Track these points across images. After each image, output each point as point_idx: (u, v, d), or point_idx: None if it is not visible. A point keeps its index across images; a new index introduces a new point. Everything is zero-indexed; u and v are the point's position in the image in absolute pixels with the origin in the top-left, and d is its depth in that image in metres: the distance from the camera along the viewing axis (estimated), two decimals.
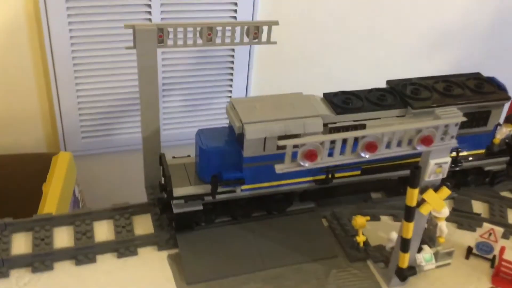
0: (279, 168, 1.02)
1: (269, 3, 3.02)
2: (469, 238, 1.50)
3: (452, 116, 1.08)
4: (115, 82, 2.82)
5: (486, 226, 1.44)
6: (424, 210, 1.16)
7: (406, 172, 1.53)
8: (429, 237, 1.42)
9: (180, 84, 3.20)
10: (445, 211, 1.39)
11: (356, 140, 1.05)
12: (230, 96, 3.36)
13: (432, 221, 1.41)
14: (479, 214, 1.58)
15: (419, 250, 1.35)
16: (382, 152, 1.05)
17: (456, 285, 1.37)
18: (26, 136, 3.17)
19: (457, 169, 1.55)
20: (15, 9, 2.61)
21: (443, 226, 1.40)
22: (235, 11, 3.03)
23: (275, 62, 3.40)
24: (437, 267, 1.39)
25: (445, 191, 1.16)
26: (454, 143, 1.11)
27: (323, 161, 1.02)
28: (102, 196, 2.87)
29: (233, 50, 3.16)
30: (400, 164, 1.51)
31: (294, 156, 1.03)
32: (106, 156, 3.13)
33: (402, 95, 1.44)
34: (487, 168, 1.62)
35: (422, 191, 1.15)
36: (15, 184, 2.84)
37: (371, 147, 1.03)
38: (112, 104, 3.02)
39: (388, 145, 1.07)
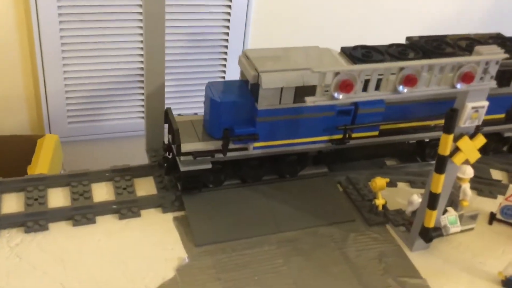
0: (310, 100, 0.92)
1: None
2: (490, 205, 1.42)
3: (493, 53, 1.00)
4: (105, 65, 2.72)
5: None
6: (458, 159, 1.08)
7: (425, 135, 1.45)
8: (451, 201, 1.34)
9: (172, 68, 3.09)
10: (470, 171, 1.31)
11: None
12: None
13: (455, 183, 1.32)
14: (499, 181, 1.50)
15: (444, 212, 1.27)
16: (421, 89, 0.96)
17: (482, 249, 1.28)
18: (9, 118, 3.04)
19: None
20: None
21: (467, 189, 1.32)
22: None
23: (272, 43, 3.30)
24: (461, 231, 1.31)
25: (481, 139, 1.08)
26: (493, 84, 1.04)
27: (358, 94, 0.92)
28: None
29: (227, 34, 3.08)
30: (419, 126, 1.43)
31: None
32: (94, 143, 3.01)
33: (425, 50, 1.36)
34: (506, 134, 1.55)
35: (456, 138, 1.06)
36: None
37: (410, 80, 0.94)
38: (100, 88, 2.88)
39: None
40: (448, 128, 1.02)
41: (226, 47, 3.12)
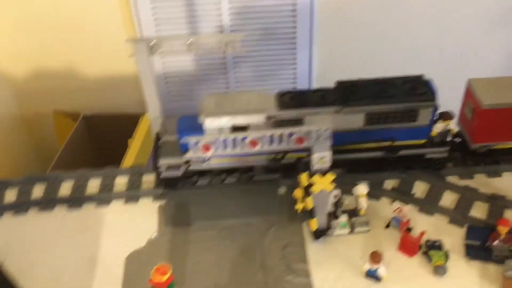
0: (187, 156, 1.50)
1: None
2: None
3: (322, 123, 1.45)
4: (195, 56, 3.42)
5: (396, 204, 1.76)
6: (315, 189, 1.56)
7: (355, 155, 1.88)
8: (356, 209, 1.79)
9: (249, 57, 3.70)
10: (363, 189, 1.74)
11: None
12: (295, 69, 3.81)
13: (356, 197, 1.77)
14: (412, 194, 1.88)
15: (337, 217, 1.74)
16: (265, 148, 1.47)
17: (367, 247, 1.72)
18: (123, 97, 3.91)
19: (396, 156, 1.88)
20: None
21: (363, 202, 1.76)
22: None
23: (338, 35, 3.74)
24: (357, 233, 1.77)
25: (330, 176, 1.54)
26: (329, 142, 1.48)
27: (217, 152, 1.47)
28: None
29: (295, 27, 3.57)
30: (348, 149, 1.86)
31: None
32: None
33: (340, 95, 1.78)
34: (428, 156, 1.90)
35: (312, 175, 1.55)
36: (111, 137, 3.61)
37: (252, 143, 1.45)
38: (190, 74, 3.64)
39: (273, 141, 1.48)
40: (301, 170, 1.51)
41: (294, 38, 3.61)
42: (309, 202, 1.59)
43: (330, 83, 1.91)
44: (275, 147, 1.48)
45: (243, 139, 1.43)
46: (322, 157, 1.47)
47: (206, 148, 1.44)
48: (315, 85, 3.73)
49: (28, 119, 3.93)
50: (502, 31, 3.40)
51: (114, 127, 3.58)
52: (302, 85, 3.77)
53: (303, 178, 1.50)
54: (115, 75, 3.78)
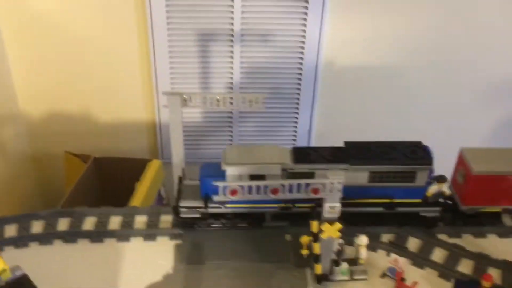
0: (215, 198, 1.68)
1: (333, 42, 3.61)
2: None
3: (335, 177, 1.66)
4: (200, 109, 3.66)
5: (394, 255, 1.95)
6: (323, 235, 1.75)
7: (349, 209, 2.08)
8: (355, 258, 1.98)
9: (254, 113, 3.94)
10: (364, 240, 1.93)
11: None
12: (296, 127, 4.05)
13: (356, 246, 1.96)
14: (406, 248, 2.07)
15: (338, 264, 1.92)
16: (284, 196, 1.67)
17: None
18: (133, 143, 4.10)
19: (393, 212, 2.08)
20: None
21: (363, 252, 1.94)
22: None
23: (338, 98, 4.01)
24: (355, 280, 1.95)
25: (337, 225, 1.73)
26: (339, 194, 1.69)
27: (242, 197, 1.66)
28: None
29: (299, 88, 3.83)
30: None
31: None
32: (192, 165, 3.97)
33: (347, 154, 2.00)
34: (422, 214, 2.11)
35: (322, 223, 1.74)
36: (118, 180, 3.77)
37: (274, 191, 1.65)
38: (199, 125, 3.86)
39: (291, 190, 1.68)
40: (313, 217, 1.70)
41: (298, 99, 3.87)
42: (317, 248, 1.77)
43: (328, 142, 2.13)
44: (292, 195, 1.67)
45: (266, 186, 1.61)
46: (332, 207, 1.66)
47: (233, 192, 1.63)
48: (314, 143, 3.96)
49: (37, 159, 4.09)
50: (494, 105, 3.69)
51: (123, 170, 3.75)
52: (301, 143, 4.00)
53: (314, 225, 1.68)
54: (127, 122, 3.99)
